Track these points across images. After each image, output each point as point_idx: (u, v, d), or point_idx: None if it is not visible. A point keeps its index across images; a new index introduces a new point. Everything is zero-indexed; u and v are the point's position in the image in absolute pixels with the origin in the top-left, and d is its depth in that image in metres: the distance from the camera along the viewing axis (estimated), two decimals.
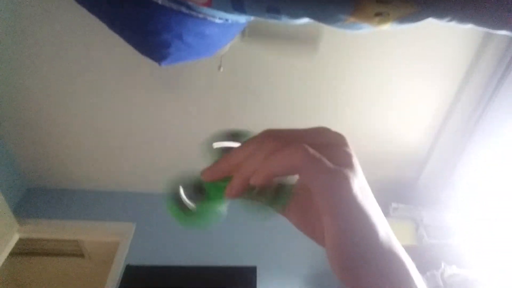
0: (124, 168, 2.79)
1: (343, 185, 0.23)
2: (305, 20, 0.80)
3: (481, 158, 2.29)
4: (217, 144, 0.31)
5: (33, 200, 2.82)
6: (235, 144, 0.30)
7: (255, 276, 2.32)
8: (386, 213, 2.48)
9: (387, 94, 2.26)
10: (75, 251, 3.60)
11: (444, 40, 2.01)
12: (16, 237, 2.59)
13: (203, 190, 0.30)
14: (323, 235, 0.26)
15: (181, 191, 0.30)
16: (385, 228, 0.25)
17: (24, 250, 3.44)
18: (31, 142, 2.59)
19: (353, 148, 0.27)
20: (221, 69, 1.90)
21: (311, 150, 0.23)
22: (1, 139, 2.54)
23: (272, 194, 0.28)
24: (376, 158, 2.64)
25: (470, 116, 2.29)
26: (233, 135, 0.31)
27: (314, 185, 0.23)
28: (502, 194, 2.16)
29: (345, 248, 0.24)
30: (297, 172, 0.24)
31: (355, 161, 0.25)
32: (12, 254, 2.64)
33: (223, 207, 0.30)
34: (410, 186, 2.85)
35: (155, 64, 1.24)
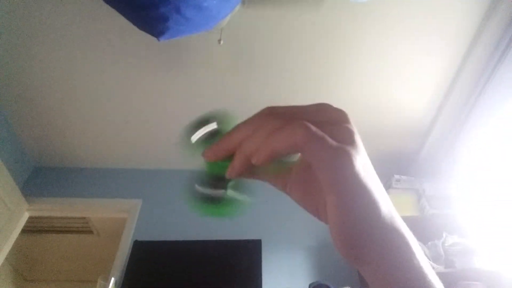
0: (130, 145, 2.81)
1: (346, 162, 0.23)
2: None
3: (483, 130, 2.28)
4: (196, 136, 0.30)
5: (40, 178, 2.86)
6: (214, 126, 0.30)
7: (260, 249, 2.38)
8: (388, 185, 2.51)
9: (390, 65, 2.22)
10: (84, 228, 3.69)
11: (449, 9, 1.96)
12: (26, 215, 2.66)
13: (222, 177, 0.29)
14: (326, 212, 0.26)
15: (197, 185, 0.29)
16: (387, 205, 0.25)
17: (34, 228, 3.53)
18: (36, 121, 2.60)
19: (355, 125, 0.26)
20: (221, 42, 1.87)
21: (313, 128, 0.23)
22: (5, 119, 2.55)
23: (274, 166, 0.28)
24: (379, 130, 2.64)
25: (473, 88, 2.26)
26: (208, 119, 0.31)
27: (316, 162, 0.23)
28: (503, 165, 2.16)
29: (348, 225, 0.24)
30: (299, 150, 0.24)
31: (357, 138, 0.25)
32: (23, 231, 2.72)
33: (247, 191, 0.30)
34: (412, 158, 2.86)
35: (154, 39, 1.22)
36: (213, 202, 0.29)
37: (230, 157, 0.27)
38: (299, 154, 0.29)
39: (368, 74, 2.28)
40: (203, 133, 0.30)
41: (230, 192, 0.29)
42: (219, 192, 0.29)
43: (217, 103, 2.45)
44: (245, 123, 0.27)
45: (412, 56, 2.18)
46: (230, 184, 0.29)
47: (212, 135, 0.30)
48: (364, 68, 2.24)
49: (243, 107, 2.42)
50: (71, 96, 2.42)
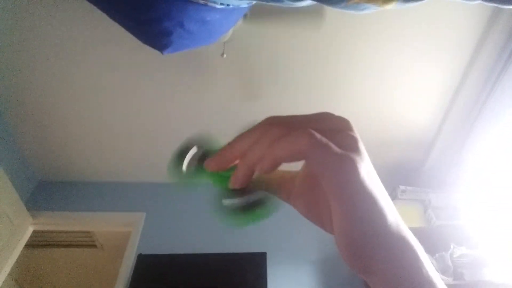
0: (133, 158, 2.82)
1: (351, 169, 0.23)
2: (307, 2, 0.78)
3: (488, 139, 2.26)
4: (185, 165, 0.30)
5: (44, 193, 2.87)
6: (194, 151, 0.30)
7: (265, 262, 2.35)
8: (394, 195, 2.48)
9: (393, 77, 2.23)
10: (88, 242, 3.68)
11: (451, 19, 1.97)
12: (30, 230, 2.65)
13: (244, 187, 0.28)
14: (331, 222, 0.25)
15: (223, 199, 0.29)
16: (393, 213, 0.25)
17: (38, 242, 3.52)
18: (40, 135, 2.62)
19: (358, 133, 0.26)
20: (224, 56, 1.88)
21: (318, 135, 0.23)
22: (9, 133, 2.58)
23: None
24: (383, 141, 2.63)
25: (477, 97, 2.25)
26: (188, 146, 0.30)
27: (321, 170, 0.23)
28: (509, 174, 2.14)
29: (354, 234, 0.23)
30: (304, 158, 0.23)
31: (361, 145, 0.25)
32: (27, 246, 2.71)
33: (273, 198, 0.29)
34: (417, 169, 2.83)
35: (158, 53, 1.24)
36: (245, 209, 0.29)
37: (233, 167, 0.27)
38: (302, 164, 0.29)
39: (371, 86, 2.29)
40: (189, 160, 0.30)
41: (257, 194, 0.29)
42: (246, 198, 0.29)
43: (221, 116, 2.46)
44: (247, 132, 0.27)
45: (415, 67, 2.19)
46: (252, 187, 0.29)
47: (200, 158, 0.30)
48: (367, 80, 2.25)
49: (246, 119, 2.43)
50: (74, 110, 2.44)
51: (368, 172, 0.24)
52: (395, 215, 0.25)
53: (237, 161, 0.27)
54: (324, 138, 0.23)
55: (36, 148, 2.72)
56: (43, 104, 2.40)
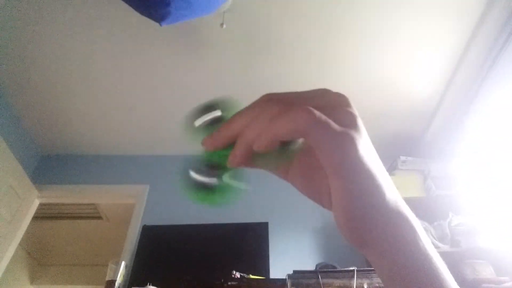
0: (136, 131, 2.83)
1: (350, 146, 0.23)
2: None
3: (489, 110, 2.25)
4: (199, 121, 0.29)
5: (49, 166, 2.90)
6: (217, 113, 0.29)
7: (267, 231, 2.41)
8: (394, 166, 2.50)
9: (396, 47, 2.18)
10: (93, 214, 3.76)
11: None
12: (36, 203, 2.71)
13: (216, 165, 0.28)
14: (329, 198, 0.26)
15: (192, 172, 0.29)
16: (391, 188, 0.25)
17: (45, 214, 3.61)
18: (43, 109, 2.61)
19: (356, 108, 0.26)
20: (224, 26, 1.85)
21: (317, 112, 0.23)
22: (12, 108, 2.57)
23: (276, 153, 0.27)
24: (384, 111, 2.62)
25: (480, 68, 2.22)
26: (212, 106, 0.30)
27: (320, 147, 0.23)
28: (509, 146, 2.15)
29: (353, 209, 0.24)
30: (303, 135, 0.23)
31: (360, 121, 0.25)
32: (35, 218, 2.78)
33: (242, 179, 0.30)
34: (418, 139, 2.84)
35: (157, 24, 1.21)
36: (206, 189, 0.29)
37: (230, 145, 0.27)
38: (300, 142, 0.29)
39: (374, 56, 2.24)
40: (206, 118, 0.30)
41: (225, 180, 0.29)
42: (213, 180, 0.29)
43: (221, 87, 2.44)
44: (244, 110, 0.26)
45: (418, 37, 2.14)
46: (226, 172, 0.29)
47: (215, 121, 0.29)
48: (370, 50, 2.21)
49: (247, 90, 2.41)
50: (77, 83, 2.42)
51: (367, 148, 0.24)
52: (393, 190, 0.25)
53: (235, 139, 0.26)
54: (323, 115, 0.23)
55: (39, 123, 2.73)
56: (45, 78, 2.38)
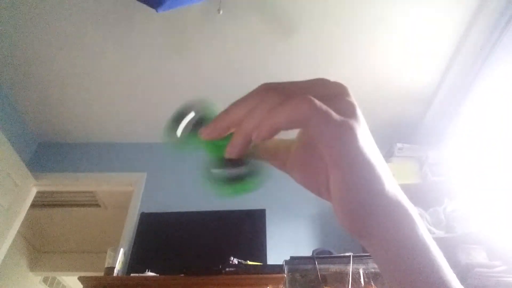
0: (133, 119, 2.81)
1: (350, 136, 0.23)
2: None
3: (486, 97, 2.25)
4: (180, 129, 0.29)
5: (46, 154, 2.89)
6: (194, 115, 0.29)
7: (264, 218, 2.43)
8: (391, 152, 2.51)
9: (393, 31, 2.17)
10: (91, 202, 3.77)
11: None
12: (34, 190, 2.71)
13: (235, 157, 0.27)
14: (327, 189, 0.26)
15: (213, 170, 0.28)
16: (390, 179, 0.25)
17: (44, 202, 3.61)
18: (39, 97, 2.59)
19: (355, 98, 0.26)
20: (221, 12, 1.82)
21: (318, 102, 0.23)
22: (8, 96, 2.55)
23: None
24: (381, 97, 2.62)
25: (478, 54, 2.21)
26: (185, 111, 0.29)
27: (321, 137, 0.23)
28: (506, 132, 2.16)
29: (352, 200, 0.24)
30: (303, 125, 0.23)
31: (359, 111, 0.25)
32: (33, 206, 2.78)
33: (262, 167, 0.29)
34: (415, 126, 2.85)
35: (153, 11, 1.19)
36: (234, 180, 0.28)
37: (227, 136, 0.26)
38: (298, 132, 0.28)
39: (371, 41, 2.23)
40: (185, 124, 0.29)
41: (249, 166, 0.28)
42: (238, 169, 0.28)
43: (219, 74, 2.42)
44: (242, 100, 0.26)
45: (415, 22, 2.12)
46: (245, 161, 0.28)
47: (197, 124, 0.29)
48: (367, 34, 2.19)
49: (245, 78, 2.40)
50: (74, 70, 2.39)
51: (366, 138, 0.24)
52: (392, 181, 0.25)
53: (233, 129, 0.26)
54: (324, 104, 0.23)
55: (35, 110, 2.71)
56: (42, 66, 2.35)
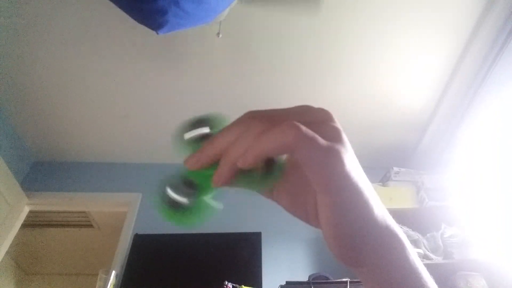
0: (129, 139, 2.81)
1: (337, 161, 0.23)
2: None
3: (482, 122, 2.28)
4: (189, 134, 0.29)
5: (40, 173, 2.86)
6: (206, 130, 0.29)
7: (260, 241, 2.39)
8: (387, 177, 2.51)
9: (389, 58, 2.22)
10: (84, 222, 3.70)
11: (447, 3, 1.94)
12: (26, 210, 2.66)
13: (194, 184, 0.27)
14: (316, 215, 0.25)
15: (168, 189, 0.28)
16: (378, 203, 0.25)
17: (34, 222, 3.54)
18: (35, 116, 2.59)
19: (340, 123, 0.26)
20: (220, 35, 1.86)
21: (304, 128, 0.23)
22: (4, 114, 2.54)
23: (262, 172, 0.26)
24: (378, 122, 2.64)
25: (472, 80, 2.26)
26: (202, 121, 0.30)
27: (308, 162, 0.23)
28: (502, 158, 2.17)
29: (342, 225, 0.24)
30: (290, 151, 0.23)
31: (344, 136, 0.25)
32: (24, 226, 2.72)
33: (214, 199, 0.29)
34: (411, 150, 2.86)
35: (153, 32, 1.21)
36: (180, 209, 0.27)
37: (212, 165, 0.26)
38: (283, 160, 0.28)
39: (367, 67, 2.27)
40: (195, 134, 0.29)
41: (202, 201, 0.28)
42: (189, 199, 0.27)
43: (215, 97, 2.44)
44: (227, 128, 0.25)
45: (411, 49, 2.17)
46: (205, 192, 0.28)
47: (203, 138, 0.28)
48: (363, 61, 2.24)
49: (241, 101, 2.42)
50: (70, 90, 2.41)
51: (353, 162, 0.24)
52: (380, 205, 0.25)
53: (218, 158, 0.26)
54: (310, 130, 0.23)
55: (31, 129, 2.70)
56: (38, 85, 2.36)
